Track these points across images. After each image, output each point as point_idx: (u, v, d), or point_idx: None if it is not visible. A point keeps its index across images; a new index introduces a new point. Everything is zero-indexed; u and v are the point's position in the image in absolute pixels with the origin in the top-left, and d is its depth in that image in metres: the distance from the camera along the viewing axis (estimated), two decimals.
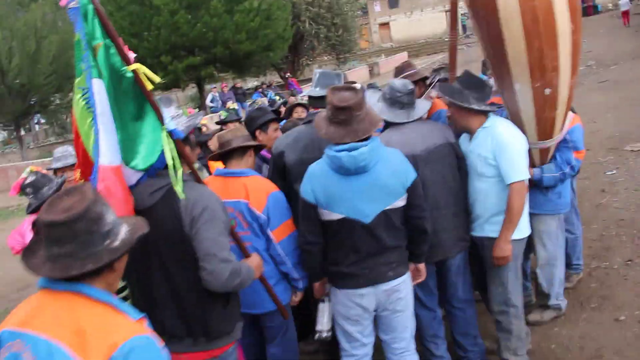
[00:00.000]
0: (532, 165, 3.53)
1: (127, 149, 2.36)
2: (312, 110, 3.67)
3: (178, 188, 2.35)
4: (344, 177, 2.75)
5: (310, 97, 3.72)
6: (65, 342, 1.51)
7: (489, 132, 3.23)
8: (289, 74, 25.93)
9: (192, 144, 2.64)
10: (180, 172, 2.37)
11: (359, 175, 2.73)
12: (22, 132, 25.64)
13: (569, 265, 4.45)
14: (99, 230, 1.64)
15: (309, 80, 27.59)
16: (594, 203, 6.20)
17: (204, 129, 5.19)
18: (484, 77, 4.19)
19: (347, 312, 2.93)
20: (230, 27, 19.78)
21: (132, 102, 2.33)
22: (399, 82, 3.39)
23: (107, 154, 2.25)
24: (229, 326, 2.59)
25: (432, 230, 3.20)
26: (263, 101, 6.61)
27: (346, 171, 2.72)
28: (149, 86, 2.32)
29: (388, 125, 3.41)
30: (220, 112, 6.72)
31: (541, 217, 3.72)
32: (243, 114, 18.59)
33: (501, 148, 3.16)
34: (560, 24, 2.71)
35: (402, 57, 34.03)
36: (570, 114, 3.48)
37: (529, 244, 3.79)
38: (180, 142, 2.45)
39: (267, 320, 3.22)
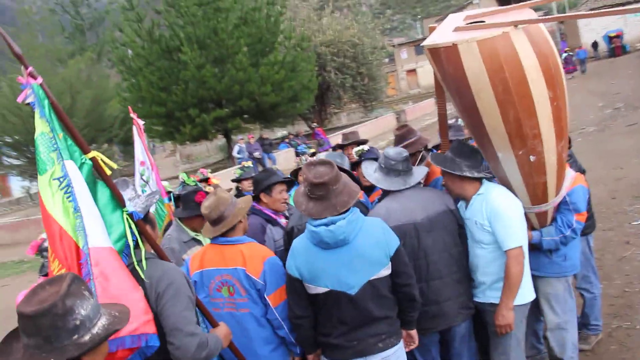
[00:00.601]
0: (531, 228, 3.45)
1: None
2: None
3: (139, 268, 2.39)
4: (325, 250, 2.74)
5: None
6: None
7: (484, 199, 3.18)
8: (315, 123, 26.21)
9: (152, 223, 2.69)
10: (142, 251, 2.42)
11: (341, 248, 2.72)
12: None
13: (586, 325, 4.26)
14: (64, 326, 1.64)
15: (337, 129, 27.84)
16: (617, 256, 5.96)
17: (210, 190, 5.16)
18: None
19: None
20: (256, 80, 20.19)
21: (90, 192, 2.36)
22: (392, 151, 3.41)
23: (97, 234, 2.26)
24: None
25: (435, 299, 3.16)
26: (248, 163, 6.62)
27: (326, 245, 2.72)
28: (108, 171, 2.41)
29: (386, 193, 3.40)
30: (235, 170, 6.77)
31: (547, 280, 3.58)
32: (270, 164, 18.64)
33: (495, 215, 3.10)
34: (535, 93, 2.64)
35: (428, 103, 34.00)
36: (570, 174, 3.38)
37: (537, 306, 3.64)
38: (141, 221, 2.51)
39: None
